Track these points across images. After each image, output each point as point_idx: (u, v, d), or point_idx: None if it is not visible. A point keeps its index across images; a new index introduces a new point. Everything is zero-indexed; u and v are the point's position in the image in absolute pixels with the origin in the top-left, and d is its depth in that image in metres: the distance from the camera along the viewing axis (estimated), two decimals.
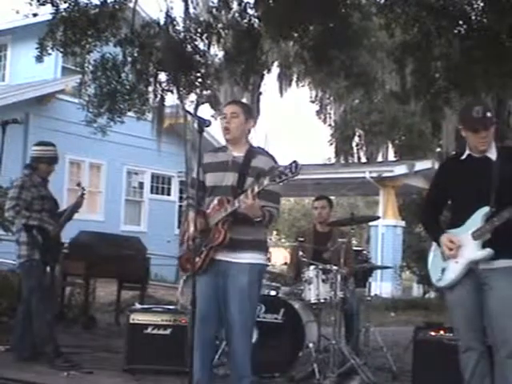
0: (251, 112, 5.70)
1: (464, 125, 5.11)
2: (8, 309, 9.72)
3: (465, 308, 5.05)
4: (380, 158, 28.84)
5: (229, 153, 5.51)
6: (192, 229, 5.26)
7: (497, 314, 4.87)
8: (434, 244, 5.25)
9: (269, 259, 9.50)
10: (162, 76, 13.98)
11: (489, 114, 4.98)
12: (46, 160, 7.78)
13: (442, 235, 5.13)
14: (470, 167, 5.11)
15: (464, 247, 4.99)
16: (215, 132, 24.97)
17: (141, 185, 24.21)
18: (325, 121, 31.00)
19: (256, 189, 4.99)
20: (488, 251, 4.88)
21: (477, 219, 4.95)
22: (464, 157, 5.20)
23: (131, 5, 13.18)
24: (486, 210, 4.89)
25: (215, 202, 5.34)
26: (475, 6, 11.23)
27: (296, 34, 12.51)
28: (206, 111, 29.41)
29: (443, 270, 5.12)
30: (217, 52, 14.97)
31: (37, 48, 12.09)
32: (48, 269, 7.59)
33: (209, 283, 5.31)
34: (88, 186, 17.40)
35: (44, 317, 7.50)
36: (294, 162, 4.81)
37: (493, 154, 5.07)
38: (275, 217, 5.41)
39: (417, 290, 21.95)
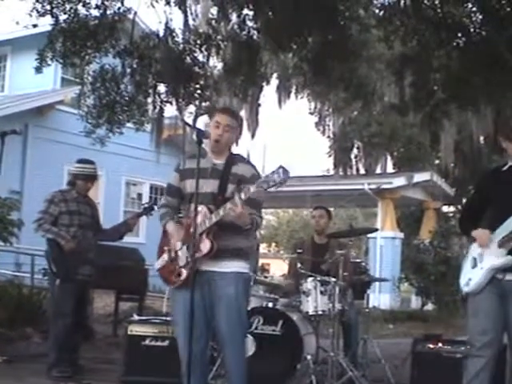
0: (241, 124, 5.63)
1: (502, 135, 5.24)
2: (6, 320, 9.69)
3: (485, 315, 5.09)
4: (379, 170, 28.85)
5: (208, 159, 5.39)
6: (175, 240, 5.31)
7: None
8: (469, 251, 5.33)
9: (267, 271, 9.50)
10: (161, 87, 14.02)
11: None
12: (83, 177, 7.83)
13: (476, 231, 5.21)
14: (509, 178, 5.16)
15: (489, 254, 5.05)
16: None
17: (139, 196, 24.17)
18: (324, 132, 31.03)
19: (243, 196, 4.87)
20: (508, 258, 4.92)
21: (505, 227, 5.01)
22: (505, 168, 5.27)
23: (131, 16, 13.21)
24: None
25: (197, 211, 5.14)
26: (474, 18, 11.29)
27: (295, 46, 12.55)
28: (204, 123, 29.36)
29: (470, 277, 5.20)
30: (216, 64, 15.02)
31: (36, 59, 12.13)
32: (57, 282, 7.55)
33: (195, 296, 5.06)
34: None
35: (53, 327, 7.56)
36: (281, 167, 4.66)
37: None
38: (260, 225, 5.36)
39: (415, 302, 21.91)
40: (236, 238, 5.26)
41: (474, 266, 5.16)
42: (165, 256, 5.47)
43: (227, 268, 5.24)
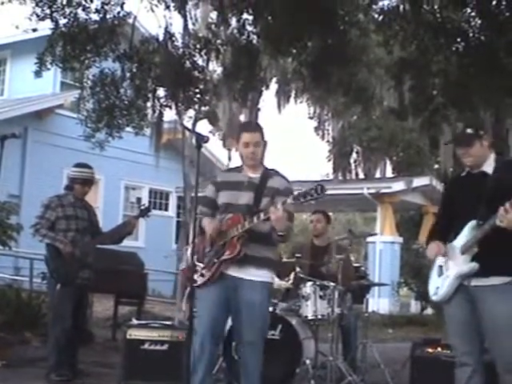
0: (261, 130, 5.71)
1: (456, 144, 5.24)
2: (5, 324, 9.68)
3: (459, 322, 5.08)
4: (378, 175, 28.89)
5: (244, 173, 5.61)
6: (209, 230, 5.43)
7: (490, 331, 4.89)
8: (435, 260, 5.28)
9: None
10: (161, 91, 14.04)
11: (469, 130, 5.06)
12: (81, 181, 7.85)
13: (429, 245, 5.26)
14: (467, 183, 5.16)
15: (453, 261, 5.03)
16: (213, 148, 25.03)
17: (138, 200, 24.14)
18: (323, 137, 31.12)
19: (289, 200, 5.07)
20: (473, 265, 4.90)
21: (465, 233, 4.99)
22: (464, 174, 5.25)
23: (130, 21, 13.23)
24: (473, 223, 4.93)
25: (231, 217, 5.42)
26: (473, 23, 11.28)
27: (294, 51, 12.56)
28: (204, 127, 29.38)
29: (437, 286, 5.18)
30: (215, 68, 15.08)
31: (36, 63, 12.14)
32: (58, 286, 7.54)
33: (219, 295, 5.40)
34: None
35: (52, 331, 7.54)
36: (320, 185, 5.02)
37: (490, 168, 5.08)
38: (291, 233, 5.57)
39: (414, 307, 21.90)
40: (265, 249, 5.49)
41: (441, 274, 5.15)
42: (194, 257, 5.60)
43: (255, 276, 5.42)
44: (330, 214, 9.70)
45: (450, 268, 5.07)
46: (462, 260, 4.97)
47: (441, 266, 5.18)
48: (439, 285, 5.15)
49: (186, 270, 5.73)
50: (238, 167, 5.77)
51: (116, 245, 8.27)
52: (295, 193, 5.12)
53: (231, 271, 5.41)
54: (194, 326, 5.39)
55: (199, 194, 5.42)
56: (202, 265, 5.51)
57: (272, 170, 5.72)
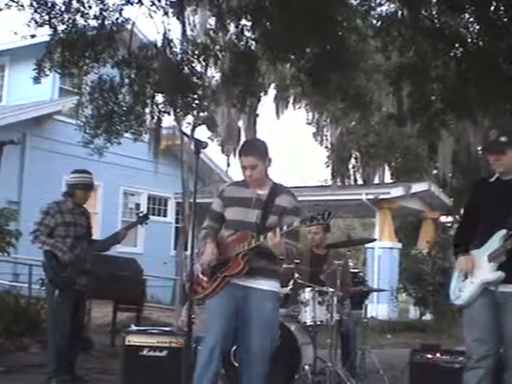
0: (266, 151, 5.66)
1: (483, 149, 5.27)
2: (4, 330, 9.66)
3: (480, 325, 5.07)
4: (376, 180, 28.82)
5: (253, 190, 5.60)
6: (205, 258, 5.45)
7: (510, 337, 4.89)
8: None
9: None
10: (159, 97, 14.04)
11: (503, 139, 5.02)
12: (82, 186, 7.84)
13: (460, 256, 5.24)
14: (495, 190, 5.16)
15: (480, 268, 5.06)
16: (212, 153, 25.02)
17: (137, 206, 24.15)
18: (321, 143, 31.05)
19: (285, 228, 5.19)
20: (499, 274, 4.93)
21: (494, 242, 5.01)
22: (493, 179, 5.25)
23: (129, 27, 13.22)
24: (503, 232, 4.96)
25: (239, 234, 5.47)
26: (471, 28, 11.31)
27: (293, 57, 12.57)
28: (202, 133, 29.38)
29: (460, 290, 5.20)
30: (214, 74, 15.05)
31: (34, 69, 12.13)
32: (56, 292, 7.54)
33: (230, 306, 5.42)
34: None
35: (52, 337, 7.54)
36: (327, 211, 5.08)
37: None
38: (293, 254, 5.63)
39: (413, 312, 21.89)
40: (271, 263, 5.54)
41: (465, 278, 5.15)
42: (199, 268, 5.65)
43: (265, 286, 5.50)
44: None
45: (475, 274, 5.08)
46: (489, 268, 4.98)
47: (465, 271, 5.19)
48: (462, 289, 5.15)
49: (187, 279, 5.71)
50: (245, 181, 5.71)
51: (101, 252, 8.25)
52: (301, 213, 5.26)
53: (241, 281, 5.45)
54: (202, 335, 5.40)
55: (205, 202, 5.42)
56: (205, 278, 5.52)
57: (280, 185, 5.73)
